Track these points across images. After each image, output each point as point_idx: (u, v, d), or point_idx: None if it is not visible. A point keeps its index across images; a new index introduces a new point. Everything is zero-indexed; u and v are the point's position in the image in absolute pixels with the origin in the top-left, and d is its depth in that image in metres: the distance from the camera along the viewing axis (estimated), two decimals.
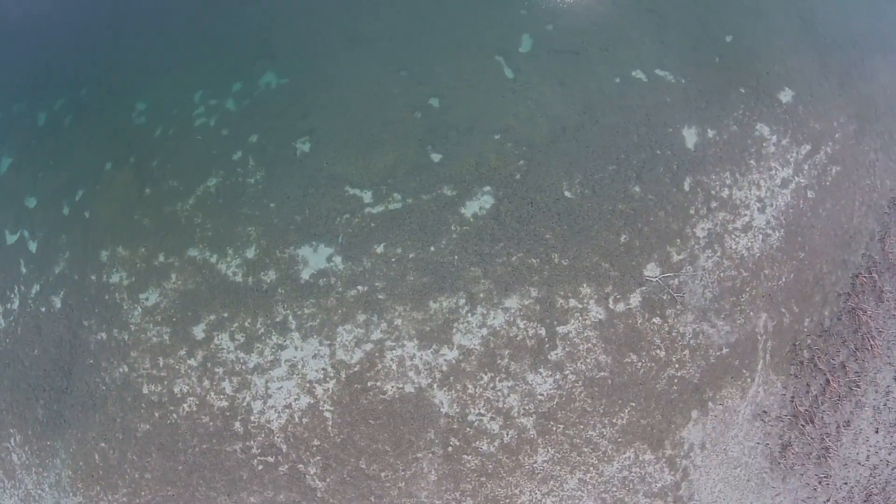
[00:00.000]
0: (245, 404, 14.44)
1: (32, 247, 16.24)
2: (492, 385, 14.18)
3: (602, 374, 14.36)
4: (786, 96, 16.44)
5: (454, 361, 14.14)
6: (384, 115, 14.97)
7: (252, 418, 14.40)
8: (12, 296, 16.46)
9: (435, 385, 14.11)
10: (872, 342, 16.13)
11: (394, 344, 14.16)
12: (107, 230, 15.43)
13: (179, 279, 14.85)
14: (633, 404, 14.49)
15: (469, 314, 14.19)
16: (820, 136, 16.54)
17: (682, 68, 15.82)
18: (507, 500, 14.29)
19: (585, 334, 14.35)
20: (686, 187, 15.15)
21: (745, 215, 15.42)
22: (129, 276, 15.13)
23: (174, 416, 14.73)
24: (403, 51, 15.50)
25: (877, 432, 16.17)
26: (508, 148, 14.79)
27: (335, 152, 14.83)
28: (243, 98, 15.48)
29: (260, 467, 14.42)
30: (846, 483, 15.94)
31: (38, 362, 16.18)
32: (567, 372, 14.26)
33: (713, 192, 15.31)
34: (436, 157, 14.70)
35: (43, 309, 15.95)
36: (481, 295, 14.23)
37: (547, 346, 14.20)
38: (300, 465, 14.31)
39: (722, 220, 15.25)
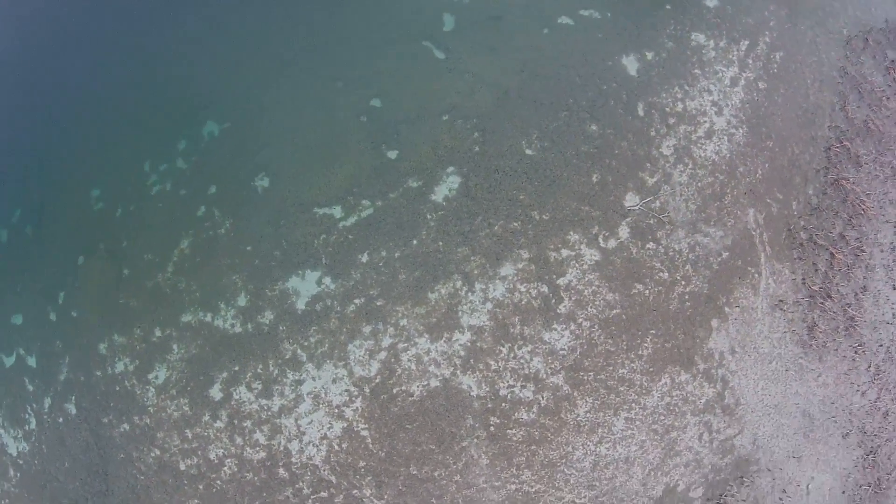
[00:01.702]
0: (282, 449, 14.35)
1: (32, 362, 16.13)
2: (512, 355, 14.15)
3: (614, 311, 14.37)
4: (711, 1, 16.57)
5: (469, 343, 14.11)
6: (331, 128, 15.00)
7: (293, 460, 14.31)
8: (27, 416, 16.33)
9: (458, 372, 14.07)
10: (863, 206, 16.23)
11: (406, 345, 14.12)
12: (98, 323, 15.34)
13: (182, 348, 14.77)
14: (653, 331, 14.50)
15: (469, 294, 14.19)
16: (755, 29, 16.67)
17: (604, 2, 15.93)
18: (563, 460, 14.25)
19: (586, 279, 14.37)
20: (641, 112, 15.23)
21: (705, 122, 15.52)
22: (133, 361, 15.04)
23: (218, 482, 14.62)
24: (333, 62, 15.55)
25: (894, 289, 16.23)
26: (459, 125, 14.83)
27: (294, 179, 14.83)
28: (191, 154, 15.47)
29: None
30: (881, 345, 15.99)
31: (72, 473, 16.04)
32: (580, 320, 14.26)
33: (668, 110, 15.40)
34: (392, 154, 14.72)
35: (60, 420, 15.82)
36: (475, 272, 14.23)
37: (553, 301, 14.20)
38: (354, 491, 14.22)
39: (684, 134, 15.33)
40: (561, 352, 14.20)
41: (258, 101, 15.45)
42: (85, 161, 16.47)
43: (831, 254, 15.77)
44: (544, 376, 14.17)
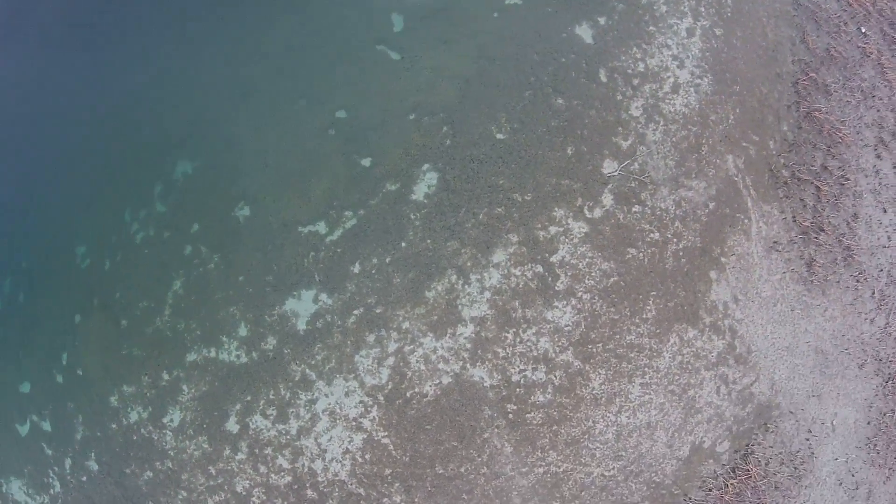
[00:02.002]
0: (307, 470, 14.35)
1: (46, 426, 16.14)
2: (518, 339, 14.16)
3: (612, 279, 14.37)
4: None
5: (474, 335, 14.12)
6: (301, 147, 15.03)
7: (320, 479, 14.31)
8: (51, 480, 16.33)
9: (468, 365, 14.08)
10: (840, 134, 16.23)
11: (412, 347, 14.13)
12: (105, 377, 15.36)
13: (192, 387, 14.78)
14: (654, 293, 14.50)
15: (466, 286, 14.20)
16: None
17: None
18: (586, 435, 14.25)
19: (579, 252, 14.37)
20: (604, 78, 15.25)
21: (669, 77, 15.53)
22: (146, 408, 15.05)
23: None
24: (292, 82, 15.57)
25: (885, 212, 16.23)
26: (426, 122, 14.85)
27: (274, 202, 14.85)
28: (169, 196, 15.50)
29: None
30: (881, 269, 15.97)
31: None
32: (580, 294, 14.27)
33: (630, 72, 15.41)
34: (366, 162, 14.75)
35: (84, 478, 15.82)
36: (468, 264, 14.24)
37: (550, 279, 14.20)
38: (385, 500, 14.22)
39: (650, 92, 15.35)
40: (566, 328, 14.20)
41: (225, 133, 15.47)
42: (66, 221, 16.51)
43: (817, 187, 15.76)
44: (553, 355, 14.16)
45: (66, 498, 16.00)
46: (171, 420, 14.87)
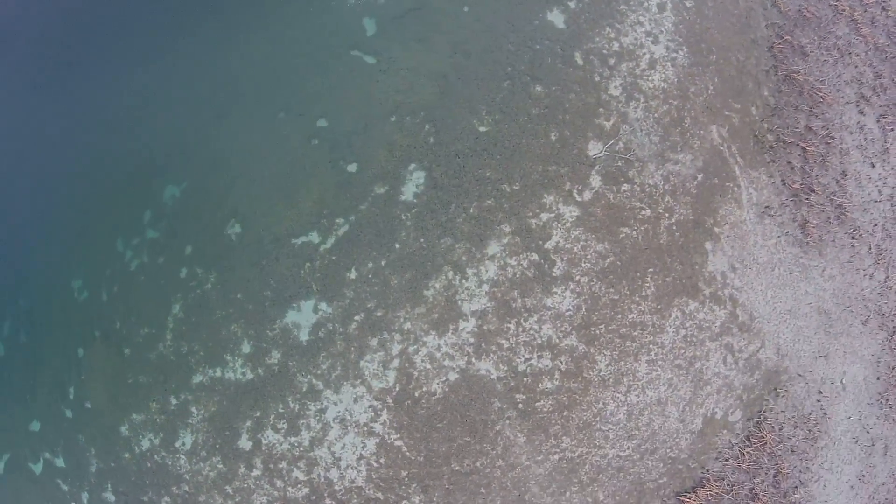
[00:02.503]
0: (323, 480, 14.34)
1: (60, 463, 16.10)
2: (521, 329, 14.17)
3: (608, 260, 14.40)
4: None
5: (476, 329, 14.13)
6: (286, 159, 15.04)
7: (337, 488, 14.30)
8: None
9: (473, 359, 14.09)
10: (820, 93, 16.28)
11: (416, 347, 14.14)
12: (113, 407, 15.34)
13: (200, 409, 14.77)
14: (651, 269, 14.53)
15: (463, 281, 14.21)
16: None
17: None
18: (597, 418, 14.26)
19: (572, 236, 14.39)
20: (580, 62, 15.29)
21: (645, 54, 15.57)
22: (157, 434, 15.03)
23: None
24: (270, 96, 15.59)
25: (873, 166, 16.27)
26: (408, 122, 14.87)
27: (264, 217, 14.86)
28: (159, 221, 15.49)
29: None
30: (875, 224, 16.02)
31: None
32: (577, 277, 14.29)
33: (605, 52, 15.45)
34: (352, 168, 14.76)
35: None
36: (464, 258, 14.25)
37: (546, 266, 14.22)
38: (404, 502, 14.21)
39: (627, 70, 15.39)
40: (567, 313, 14.21)
41: (210, 153, 15.48)
42: (60, 256, 16.49)
43: (803, 148, 15.80)
44: (557, 341, 14.18)
45: None
46: (184, 444, 14.85)
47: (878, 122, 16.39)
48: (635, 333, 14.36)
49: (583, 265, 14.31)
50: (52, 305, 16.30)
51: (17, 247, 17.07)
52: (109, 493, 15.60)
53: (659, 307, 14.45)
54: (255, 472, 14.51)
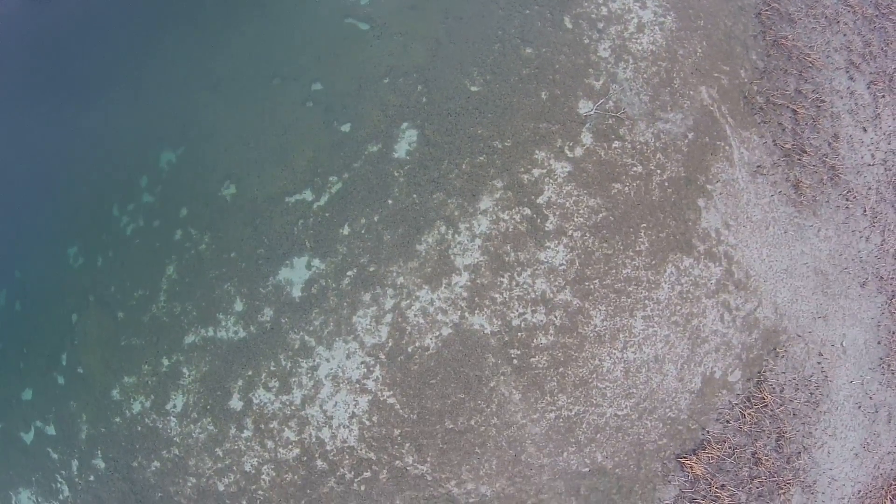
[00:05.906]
0: (315, 439, 14.11)
1: (51, 430, 15.93)
2: (514, 283, 14.09)
3: (601, 215, 14.39)
4: None
5: (469, 283, 14.07)
6: (281, 123, 15.26)
7: (328, 448, 14.06)
8: (59, 486, 16.01)
9: (466, 314, 13.99)
10: (810, 59, 16.44)
11: (409, 301, 14.06)
12: (105, 371, 15.24)
13: (192, 369, 14.65)
14: (644, 225, 14.49)
15: (456, 235, 14.21)
16: None
17: None
18: (594, 375, 14.05)
19: (565, 191, 14.43)
20: (569, 25, 15.57)
21: (633, 18, 15.85)
22: (148, 397, 14.89)
23: (260, 493, 14.31)
24: (265, 63, 15.90)
25: (865, 131, 16.31)
26: (401, 83, 15.11)
27: (258, 178, 15.00)
28: (155, 186, 15.66)
29: (363, 487, 14.01)
30: (869, 188, 15.98)
31: None
32: (570, 232, 14.26)
33: (594, 16, 15.74)
34: (345, 128, 14.95)
35: (91, 478, 15.53)
36: (456, 213, 14.28)
37: (539, 220, 14.23)
38: (397, 462, 13.93)
39: (616, 34, 15.64)
40: (560, 267, 14.15)
41: (205, 119, 15.74)
42: (55, 224, 16.62)
43: (793, 110, 15.90)
44: (551, 295, 14.08)
45: (76, 500, 15.67)
46: (174, 406, 14.69)
47: (868, 88, 16.50)
48: (630, 289, 14.25)
49: (575, 219, 14.30)
50: (48, 273, 16.40)
51: (14, 216, 17.20)
52: (99, 460, 15.38)
53: (653, 262, 14.37)
54: (246, 433, 14.30)
